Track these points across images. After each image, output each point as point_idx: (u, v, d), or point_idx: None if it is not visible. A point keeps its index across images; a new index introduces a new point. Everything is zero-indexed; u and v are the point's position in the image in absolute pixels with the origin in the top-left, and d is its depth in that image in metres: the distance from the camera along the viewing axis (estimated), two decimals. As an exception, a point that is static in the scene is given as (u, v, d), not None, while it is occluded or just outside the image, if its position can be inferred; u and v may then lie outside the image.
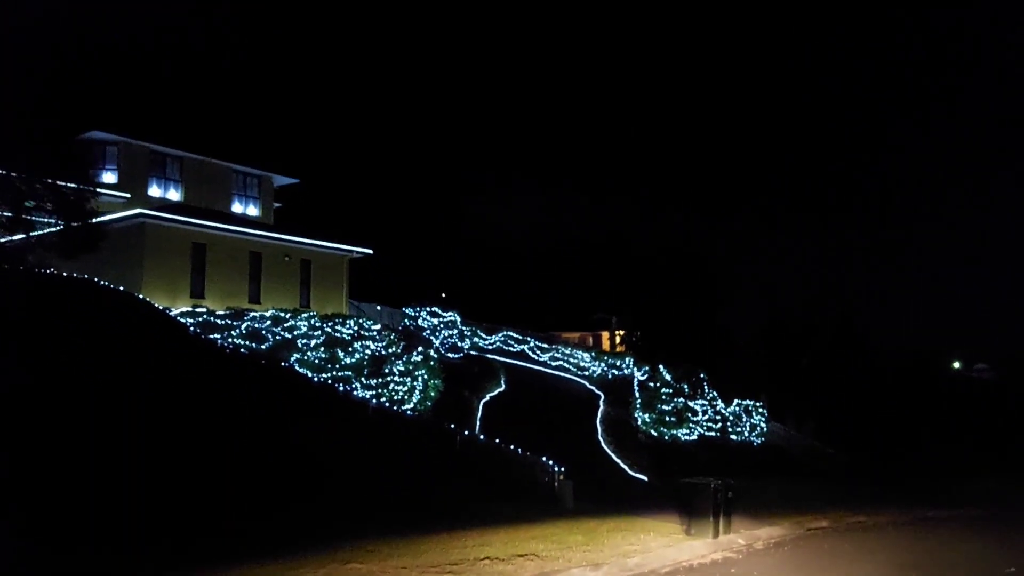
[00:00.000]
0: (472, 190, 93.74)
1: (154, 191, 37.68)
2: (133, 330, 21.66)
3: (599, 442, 29.69)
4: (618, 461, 27.98)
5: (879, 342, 57.65)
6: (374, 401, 23.32)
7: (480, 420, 28.41)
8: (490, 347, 39.85)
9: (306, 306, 32.42)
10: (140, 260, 28.31)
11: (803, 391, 43.23)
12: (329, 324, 27.54)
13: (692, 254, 54.53)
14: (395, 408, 23.78)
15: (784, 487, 29.22)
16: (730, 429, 35.51)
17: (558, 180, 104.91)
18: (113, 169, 38.13)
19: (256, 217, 40.34)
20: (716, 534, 18.48)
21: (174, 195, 37.91)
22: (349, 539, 14.36)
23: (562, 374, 40.53)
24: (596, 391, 37.22)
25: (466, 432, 22.00)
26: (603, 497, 22.21)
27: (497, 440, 22.19)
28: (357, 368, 25.55)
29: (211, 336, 25.09)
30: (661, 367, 36.23)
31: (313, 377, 24.27)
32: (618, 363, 38.61)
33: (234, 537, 14.15)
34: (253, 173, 42.77)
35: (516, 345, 42.04)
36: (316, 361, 25.20)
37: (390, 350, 27.13)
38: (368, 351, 26.45)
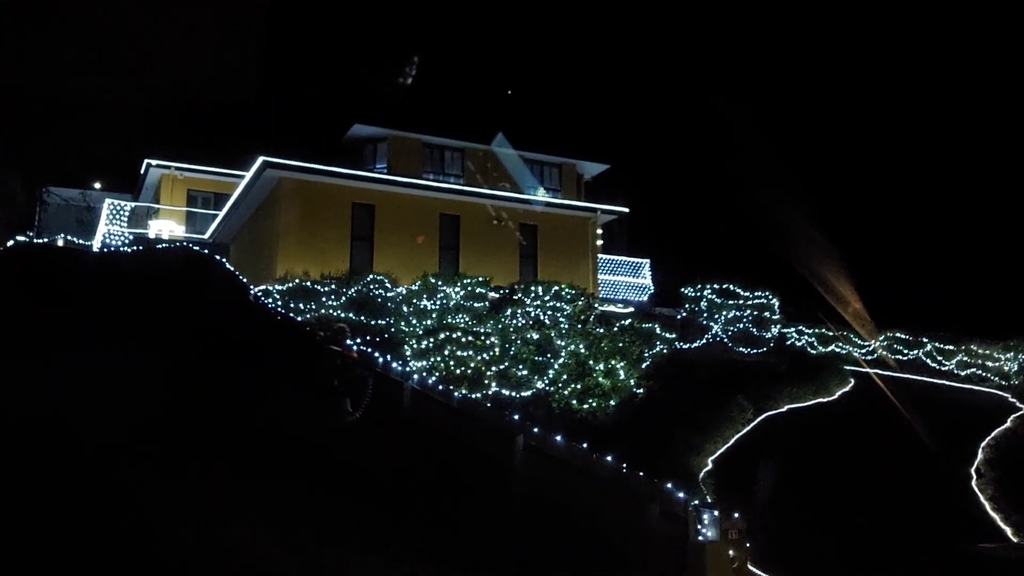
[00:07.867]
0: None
1: (433, 189, 32.03)
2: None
3: (970, 482, 15.38)
4: (994, 516, 13.66)
5: None
6: (415, 377, 13.15)
7: (741, 437, 16.62)
8: (866, 356, 27.77)
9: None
10: (275, 225, 22.09)
11: None
12: (505, 293, 18.24)
13: None
14: (444, 387, 13.34)
15: None
16: None
17: None
18: (383, 168, 33.31)
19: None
20: None
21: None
22: None
23: (977, 387, 25.48)
24: (1019, 404, 21.62)
25: (535, 430, 10.78)
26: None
27: (618, 460, 10.61)
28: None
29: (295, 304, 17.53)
30: None
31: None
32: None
33: None
34: (551, 161, 34.97)
35: (906, 350, 28.92)
36: (419, 331, 15.93)
37: (569, 321, 16.73)
38: (523, 321, 16.48)
